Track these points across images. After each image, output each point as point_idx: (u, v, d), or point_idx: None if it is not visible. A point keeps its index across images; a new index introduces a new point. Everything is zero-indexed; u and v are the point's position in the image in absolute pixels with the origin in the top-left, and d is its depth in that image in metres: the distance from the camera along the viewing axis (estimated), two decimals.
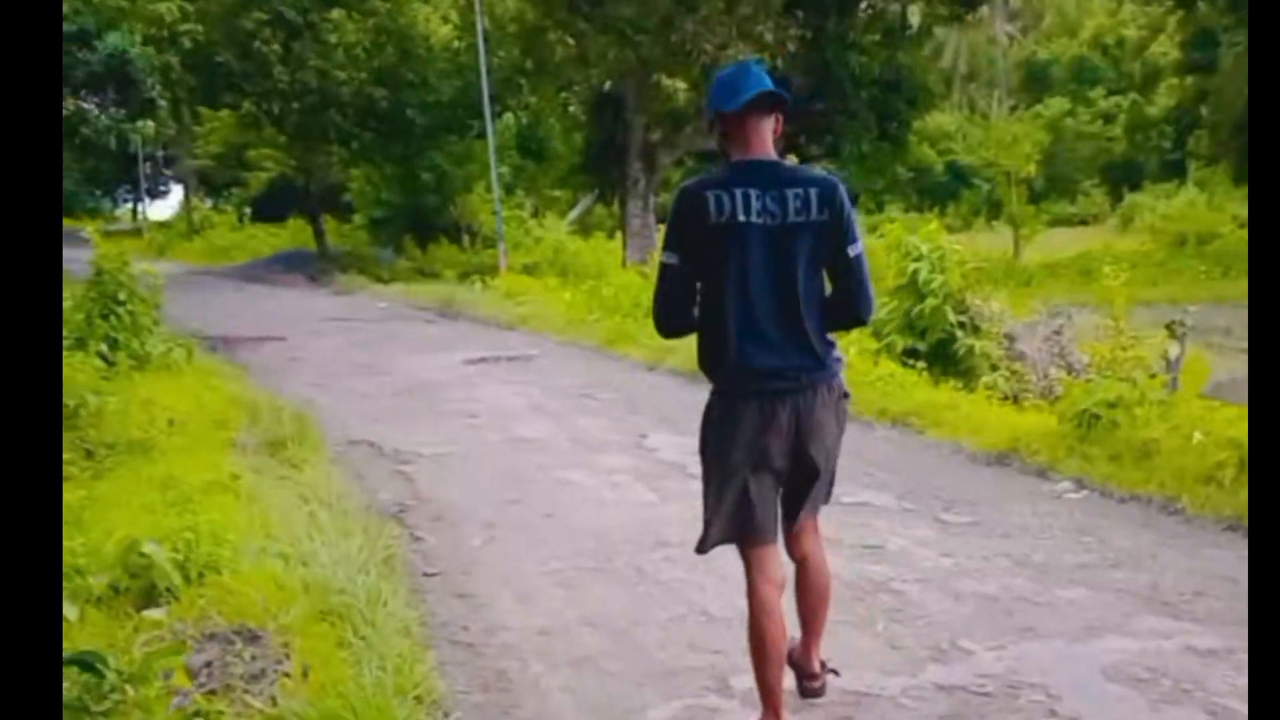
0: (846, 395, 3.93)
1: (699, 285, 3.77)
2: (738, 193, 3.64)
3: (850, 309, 3.82)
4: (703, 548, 3.92)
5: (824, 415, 3.79)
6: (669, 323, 3.88)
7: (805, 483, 3.87)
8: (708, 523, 3.87)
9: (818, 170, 3.98)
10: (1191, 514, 6.35)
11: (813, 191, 3.67)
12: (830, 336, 3.82)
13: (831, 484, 4.03)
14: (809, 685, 4.21)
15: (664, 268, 3.78)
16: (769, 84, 3.69)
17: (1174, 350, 9.17)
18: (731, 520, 3.80)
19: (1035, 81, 55.16)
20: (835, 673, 4.27)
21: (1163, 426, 7.21)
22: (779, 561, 3.90)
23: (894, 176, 41.45)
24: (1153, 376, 7.89)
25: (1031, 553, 5.87)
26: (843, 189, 3.74)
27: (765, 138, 3.75)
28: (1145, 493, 6.70)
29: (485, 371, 12.70)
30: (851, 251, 3.74)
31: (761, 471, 3.75)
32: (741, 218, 3.63)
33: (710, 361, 3.83)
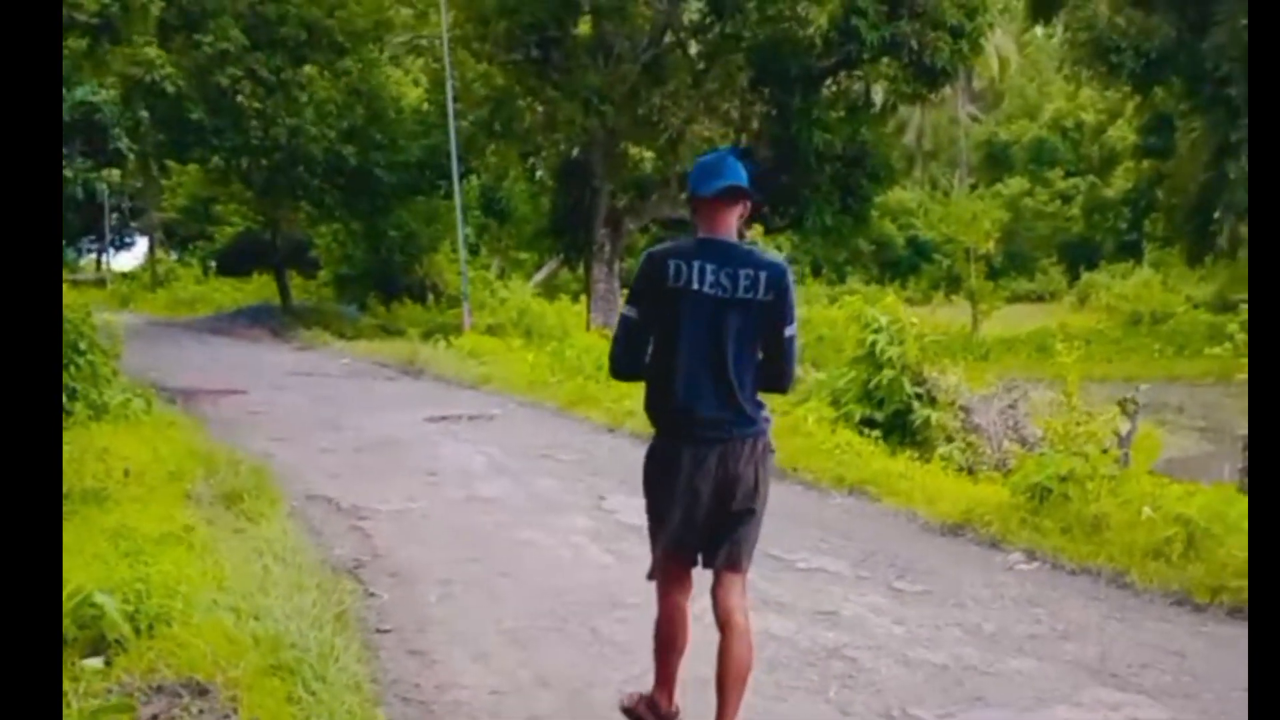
0: (772, 450, 4.35)
1: (651, 339, 4.25)
2: (695, 264, 4.13)
3: (775, 380, 4.28)
4: (652, 575, 4.42)
5: (747, 468, 4.20)
6: (622, 367, 4.40)
7: (729, 526, 4.25)
8: (653, 549, 4.38)
9: (771, 255, 4.44)
10: (1141, 588, 6.43)
11: (762, 275, 4.14)
12: (759, 398, 4.26)
13: (755, 540, 4.37)
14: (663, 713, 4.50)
15: (624, 319, 4.31)
16: (741, 178, 4.20)
17: (1125, 426, 9.30)
18: (670, 554, 4.30)
19: (995, 161, 56.01)
20: None
21: (1113, 501, 7.31)
22: (689, 583, 4.40)
23: (856, 249, 41.91)
24: (1105, 452, 8.00)
25: (983, 622, 5.93)
26: (790, 274, 4.21)
27: (728, 222, 4.23)
28: (1095, 565, 6.79)
29: (446, 430, 12.69)
30: (787, 332, 4.22)
31: (691, 507, 4.19)
32: (695, 286, 4.11)
33: (654, 406, 4.31)
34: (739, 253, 4.19)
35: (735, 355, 4.13)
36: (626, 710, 4.63)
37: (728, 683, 4.25)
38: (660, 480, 4.27)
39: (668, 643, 4.43)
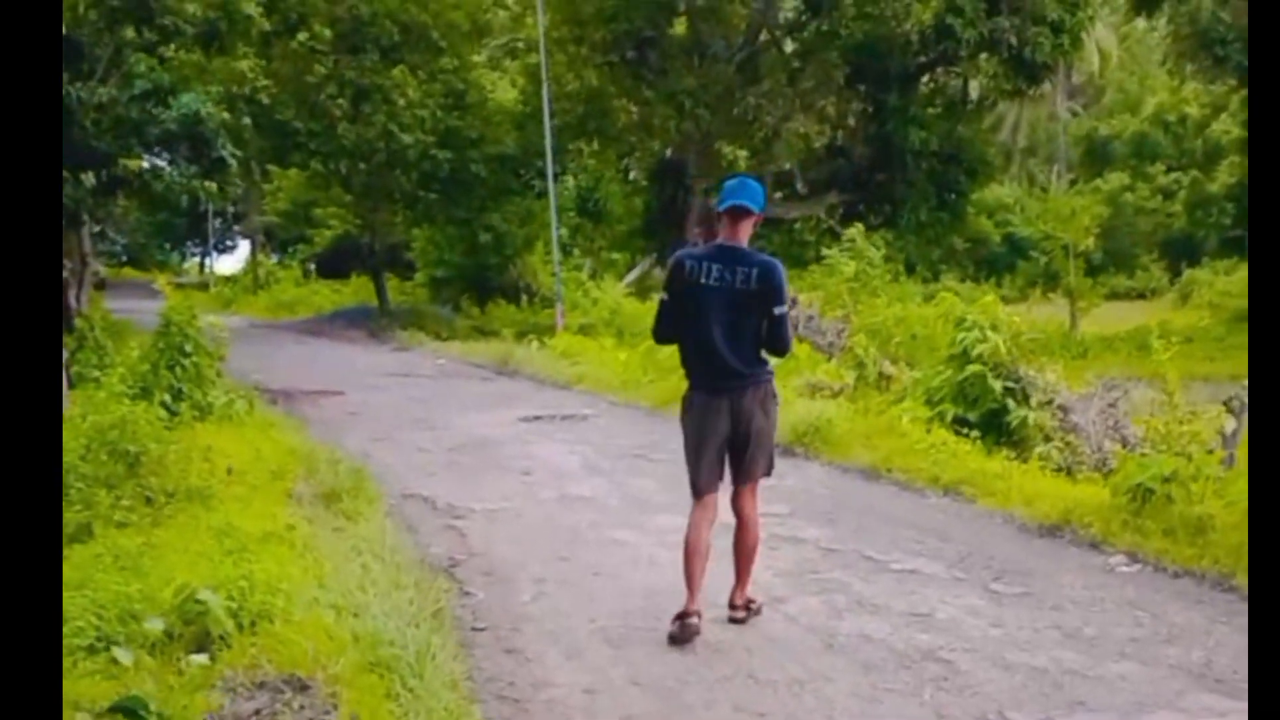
0: (775, 395, 5.94)
1: (679, 316, 5.83)
2: (705, 264, 5.71)
3: (774, 345, 5.83)
4: (694, 490, 5.88)
5: (752, 404, 5.77)
6: (659, 337, 6.14)
7: (742, 449, 5.79)
8: (689, 469, 5.90)
9: (765, 256, 5.82)
10: (1246, 591, 6.26)
11: (754, 271, 5.66)
12: (763, 357, 5.82)
13: (770, 462, 5.98)
14: (733, 615, 5.89)
15: (661, 302, 6.00)
16: (750, 200, 5.76)
17: (1230, 426, 9.06)
18: (692, 473, 5.84)
19: (1095, 157, 54.91)
20: (758, 610, 5.98)
21: (1218, 503, 7.13)
22: (715, 506, 5.85)
23: (951, 247, 41.31)
24: (1209, 452, 7.80)
25: (1083, 625, 5.83)
26: (778, 270, 5.73)
27: (737, 231, 5.76)
28: (1199, 569, 6.62)
29: (540, 430, 12.79)
30: (776, 311, 5.72)
31: (706, 441, 5.77)
32: (704, 280, 5.69)
33: (686, 365, 5.94)
34: (741, 254, 5.70)
35: (736, 328, 5.67)
36: (672, 638, 5.68)
37: (741, 557, 5.94)
38: (691, 415, 5.86)
39: (693, 550, 5.76)
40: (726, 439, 5.75)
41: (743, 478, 5.88)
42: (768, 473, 5.99)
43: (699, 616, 5.69)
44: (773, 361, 5.93)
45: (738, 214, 5.74)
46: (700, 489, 5.84)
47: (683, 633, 5.62)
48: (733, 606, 5.91)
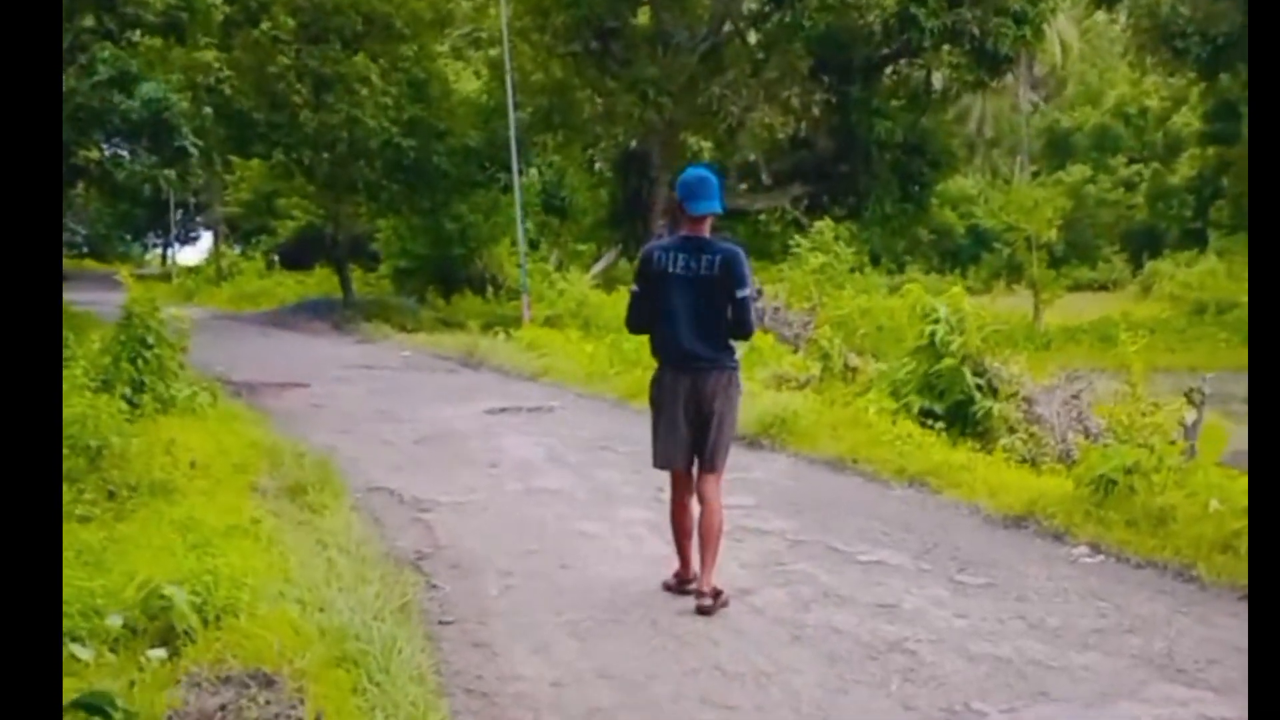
0: (738, 385, 6.27)
1: (649, 305, 6.20)
2: (672, 254, 6.11)
3: (738, 328, 6.18)
4: (654, 463, 6.36)
5: (715, 387, 6.10)
6: (632, 326, 6.51)
7: (704, 429, 6.11)
8: (653, 442, 6.30)
9: (726, 244, 6.18)
10: (1208, 581, 6.34)
11: (717, 258, 6.04)
12: (728, 344, 6.17)
13: (727, 447, 6.25)
14: (700, 603, 5.97)
15: (632, 293, 6.40)
16: (720, 204, 6.19)
17: (1191, 417, 9.16)
18: (662, 452, 6.23)
19: (1057, 148, 55.30)
20: (725, 602, 6.03)
21: (1180, 493, 7.20)
22: (690, 481, 6.23)
23: (916, 238, 41.58)
24: (1171, 443, 7.88)
25: (1046, 616, 5.88)
26: (740, 256, 6.10)
27: (699, 224, 6.15)
28: (1161, 559, 6.69)
29: (506, 422, 12.76)
30: (739, 294, 6.06)
31: (674, 419, 6.13)
32: (671, 269, 6.08)
33: (655, 348, 6.29)
34: (705, 244, 6.10)
35: (702, 313, 6.05)
36: (667, 586, 6.33)
37: (705, 541, 6.11)
38: (659, 393, 6.24)
39: (679, 528, 6.28)
40: (689, 418, 6.11)
41: (706, 464, 6.18)
42: (723, 461, 6.31)
43: (694, 579, 6.19)
44: (740, 348, 6.36)
45: (696, 214, 6.19)
46: (673, 463, 6.22)
47: (682, 590, 6.24)
48: (699, 594, 6.05)
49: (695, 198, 6.13)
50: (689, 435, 6.13)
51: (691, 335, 6.05)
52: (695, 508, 6.22)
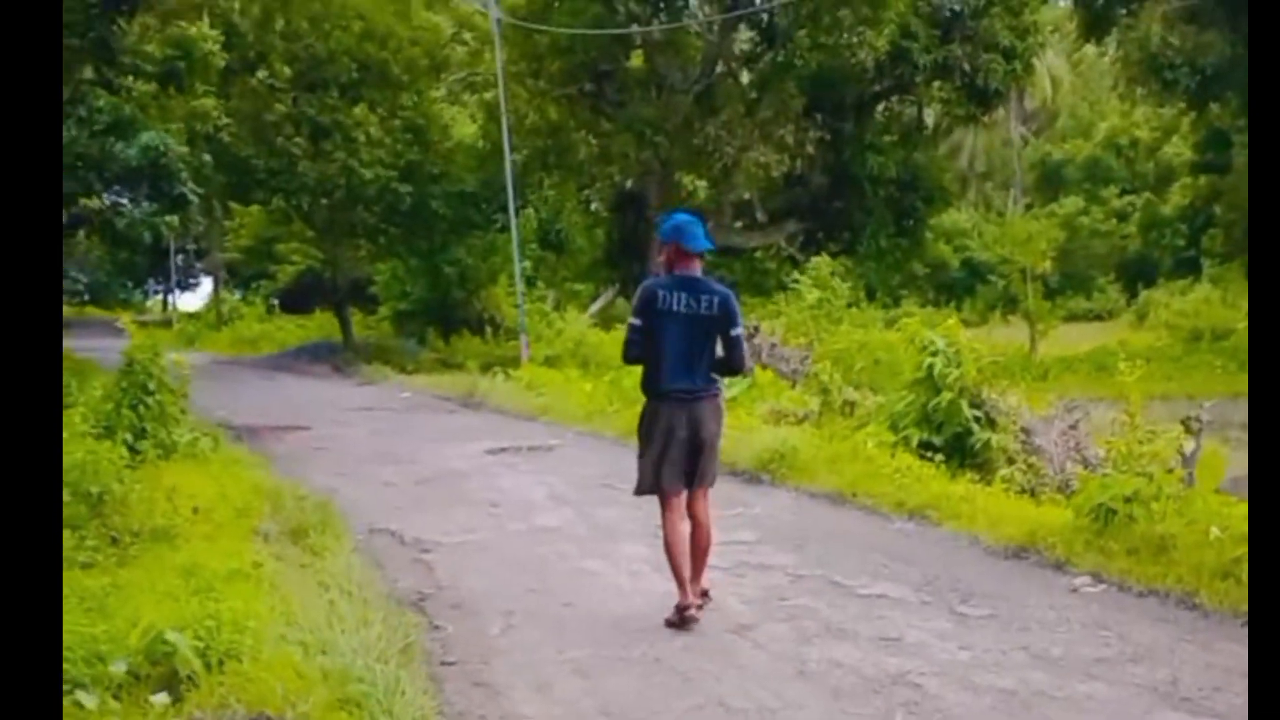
0: (722, 411, 6.73)
1: (647, 340, 6.49)
2: (673, 293, 6.43)
3: (731, 365, 6.65)
4: (638, 491, 6.66)
5: (706, 415, 6.50)
6: (630, 357, 6.69)
7: (697, 454, 6.48)
8: (639, 476, 6.61)
9: (721, 285, 6.56)
10: (1210, 609, 6.34)
11: (715, 298, 6.42)
12: (715, 376, 6.56)
13: (715, 469, 6.68)
14: (688, 612, 6.36)
15: (630, 327, 6.62)
16: (710, 243, 6.68)
17: (1190, 445, 9.17)
18: (653, 477, 6.50)
19: (1050, 181, 55.50)
20: (708, 597, 6.65)
21: (1180, 521, 7.20)
22: (683, 504, 6.52)
23: (910, 273, 41.66)
24: (1169, 471, 7.89)
25: (1049, 646, 5.88)
26: (733, 298, 6.53)
27: (691, 264, 6.51)
28: (1163, 587, 6.69)
29: (506, 461, 12.77)
30: (733, 333, 6.48)
31: (670, 447, 6.44)
32: (675, 308, 6.41)
33: (647, 383, 6.61)
34: (701, 284, 6.47)
35: (698, 350, 6.43)
36: (669, 623, 6.38)
37: (696, 555, 6.55)
38: (650, 427, 6.54)
39: (675, 549, 6.47)
40: (685, 445, 6.46)
41: (697, 481, 6.55)
42: (712, 482, 6.72)
43: (696, 607, 6.42)
44: (725, 381, 6.94)
45: (697, 250, 6.57)
46: (666, 490, 6.51)
47: (683, 623, 6.33)
48: (688, 605, 6.48)
49: (692, 236, 6.51)
50: (685, 462, 6.47)
51: (690, 369, 6.43)
52: (683, 529, 6.54)
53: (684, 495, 6.53)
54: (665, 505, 6.53)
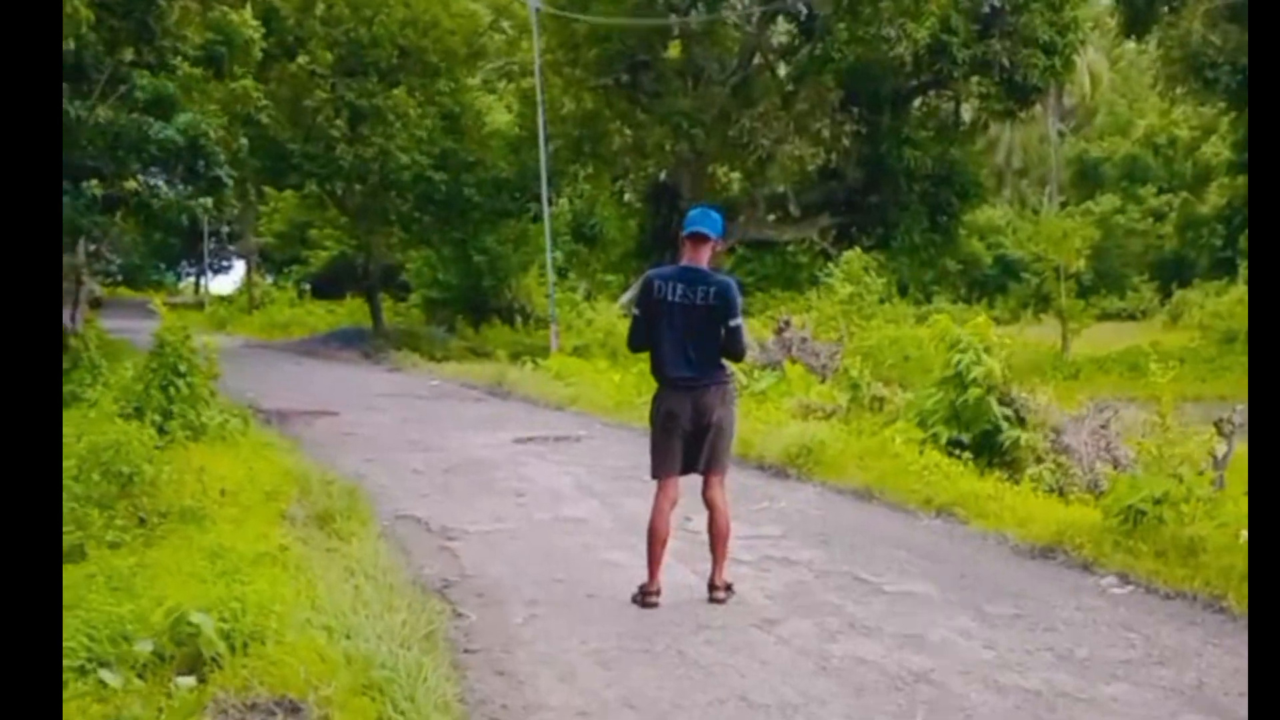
0: (734, 396, 6.89)
1: (648, 328, 6.67)
2: (671, 283, 6.58)
3: (731, 352, 6.69)
4: (654, 474, 6.72)
5: (713, 402, 6.58)
6: (633, 345, 6.97)
7: (704, 437, 6.59)
8: (652, 457, 6.72)
9: (720, 275, 6.69)
10: (1238, 612, 6.27)
11: (712, 288, 6.52)
12: (721, 362, 6.66)
13: (728, 452, 6.81)
14: (714, 595, 6.63)
15: (633, 317, 6.91)
16: (709, 227, 6.66)
17: (1221, 448, 9.08)
18: (660, 463, 6.64)
19: (1086, 179, 55.14)
20: (732, 590, 6.70)
21: (1209, 524, 7.15)
22: (676, 488, 6.69)
23: (943, 269, 41.49)
24: (1200, 474, 7.82)
25: (1075, 647, 5.84)
26: (732, 287, 6.60)
27: (698, 255, 6.65)
28: (1191, 590, 6.64)
29: (533, 450, 12.79)
30: (731, 323, 6.56)
31: (671, 433, 6.61)
32: (670, 298, 6.55)
33: (653, 370, 6.77)
34: (701, 275, 6.58)
35: (698, 338, 6.54)
36: (633, 599, 6.59)
37: (715, 542, 6.68)
38: (660, 409, 6.68)
39: (656, 534, 6.63)
40: (689, 431, 6.59)
41: (710, 467, 6.66)
42: (725, 468, 6.83)
43: (658, 594, 6.59)
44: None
45: (699, 239, 6.66)
46: (661, 473, 6.67)
47: (644, 603, 6.54)
48: (712, 588, 6.68)
49: (689, 220, 6.73)
50: (685, 448, 6.63)
51: (689, 358, 6.56)
52: (675, 519, 6.80)
53: (675, 479, 6.68)
54: (659, 488, 6.68)
